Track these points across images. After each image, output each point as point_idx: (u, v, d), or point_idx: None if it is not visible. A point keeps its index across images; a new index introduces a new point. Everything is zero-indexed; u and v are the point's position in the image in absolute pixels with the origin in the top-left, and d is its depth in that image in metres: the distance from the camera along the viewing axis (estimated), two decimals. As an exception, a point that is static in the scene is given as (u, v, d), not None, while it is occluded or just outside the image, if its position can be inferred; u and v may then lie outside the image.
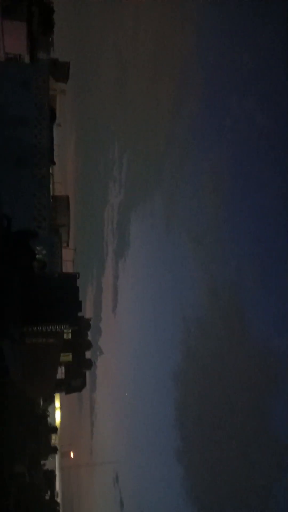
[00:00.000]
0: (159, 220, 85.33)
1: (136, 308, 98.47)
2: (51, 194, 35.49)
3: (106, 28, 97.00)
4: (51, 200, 34.82)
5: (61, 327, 23.13)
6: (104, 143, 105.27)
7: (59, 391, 39.03)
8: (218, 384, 63.61)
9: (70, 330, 25.41)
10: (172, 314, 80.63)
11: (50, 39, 58.78)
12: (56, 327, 22.44)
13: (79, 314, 25.01)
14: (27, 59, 33.78)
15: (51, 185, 36.03)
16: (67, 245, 50.87)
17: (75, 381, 36.15)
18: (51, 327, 22.46)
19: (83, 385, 36.85)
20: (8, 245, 12.66)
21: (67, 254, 49.90)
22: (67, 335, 27.39)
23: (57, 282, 21.48)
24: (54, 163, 32.06)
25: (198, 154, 68.99)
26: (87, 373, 37.57)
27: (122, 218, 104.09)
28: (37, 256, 19.86)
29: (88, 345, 36.82)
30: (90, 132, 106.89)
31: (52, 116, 29.61)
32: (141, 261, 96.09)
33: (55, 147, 36.48)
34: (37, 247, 27.40)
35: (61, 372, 34.19)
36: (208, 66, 62.55)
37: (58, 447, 52.29)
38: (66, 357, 32.45)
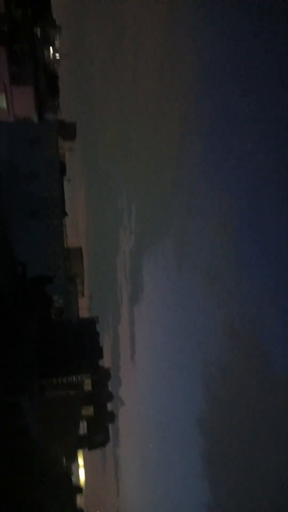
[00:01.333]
0: (170, 262, 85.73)
1: (155, 354, 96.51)
2: (65, 246, 36.08)
3: (108, 86, 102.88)
4: (65, 251, 35.36)
5: (81, 377, 22.41)
6: (112, 193, 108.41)
7: (82, 447, 37.38)
8: (245, 426, 60.48)
9: (90, 381, 24.67)
10: (191, 357, 78.68)
11: (56, 102, 62.30)
12: (77, 377, 21.74)
13: (100, 361, 24.28)
14: (35, 120, 35.61)
15: (64, 237, 36.74)
16: (82, 295, 51.03)
17: (98, 436, 34.69)
18: (72, 377, 21.78)
19: (106, 439, 35.33)
20: (24, 292, 12.59)
21: (82, 302, 49.90)
22: (88, 386, 26.54)
23: (75, 328, 21.03)
24: (66, 214, 32.80)
25: (204, 195, 70.42)
26: (110, 426, 36.13)
27: (134, 263, 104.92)
28: (53, 302, 19.76)
29: (109, 396, 35.61)
30: (98, 184, 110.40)
31: (62, 170, 30.65)
32: (156, 305, 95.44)
33: (66, 201, 37.59)
34: (53, 297, 27.41)
35: (83, 427, 32.92)
36: (208, 112, 65.38)
37: (83, 508, 49.32)
38: (88, 410, 31.34)
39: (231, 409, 64.05)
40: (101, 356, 22.89)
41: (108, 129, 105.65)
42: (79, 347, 19.92)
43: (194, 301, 76.97)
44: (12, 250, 16.99)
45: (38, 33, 49.58)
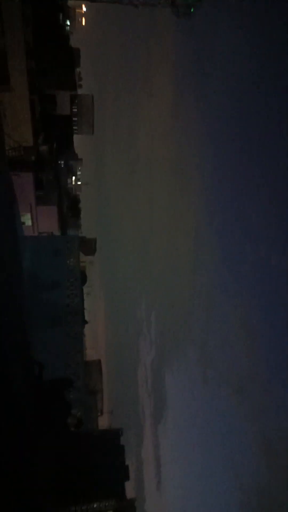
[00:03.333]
0: (194, 373, 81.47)
1: (184, 483, 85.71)
2: (84, 359, 35.15)
3: (125, 206, 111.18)
4: (84, 362, 34.27)
5: (105, 505, 19.50)
6: (131, 303, 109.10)
7: None
8: None
9: (114, 508, 21.46)
10: (225, 483, 69.39)
11: (78, 221, 67.11)
12: (99, 505, 18.92)
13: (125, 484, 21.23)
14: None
15: (84, 347, 36.02)
16: (101, 413, 47.91)
17: None
18: (93, 505, 19.00)
19: None
20: (40, 396, 11.69)
21: (102, 420, 46.54)
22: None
23: (97, 442, 18.88)
24: (86, 322, 32.63)
25: (223, 301, 69.99)
26: None
27: (156, 376, 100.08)
28: (72, 411, 18.22)
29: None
30: (117, 295, 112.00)
31: (83, 279, 31.43)
32: (181, 423, 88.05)
33: (85, 313, 37.82)
34: (72, 411, 25.70)
35: None
36: (221, 218, 68.84)
37: None
38: None
39: None
40: (127, 477, 19.94)
41: (126, 242, 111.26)
42: (101, 466, 17.58)
43: (223, 416, 70.99)
44: (31, 356, 16.51)
45: (62, 165, 55.90)
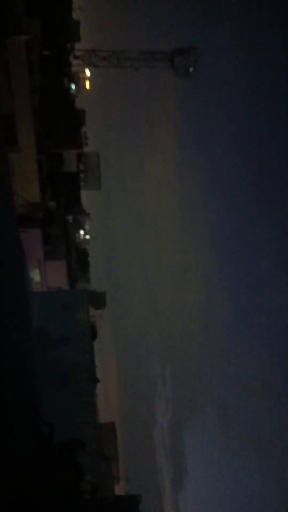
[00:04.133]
0: (216, 433, 76.71)
1: None
2: (97, 421, 33.17)
3: (133, 258, 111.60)
4: (97, 424, 32.30)
5: None
6: (144, 359, 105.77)
7: None
8: None
9: None
10: None
11: (87, 275, 66.90)
12: None
13: None
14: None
15: (96, 408, 34.13)
16: (118, 481, 44.67)
17: None
18: None
19: None
20: (51, 459, 10.55)
21: (118, 489, 43.25)
22: None
23: (112, 509, 17.00)
24: (98, 380, 31.15)
25: (239, 357, 67.55)
26: None
27: (174, 438, 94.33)
28: (85, 477, 16.49)
29: None
30: (129, 352, 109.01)
31: (93, 333, 30.47)
32: (204, 489, 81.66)
33: (97, 371, 36.31)
34: (85, 477, 23.71)
35: None
36: (231, 270, 68.16)
37: None
38: None
39: None
40: None
41: (136, 296, 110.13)
42: None
43: (248, 479, 65.77)
44: (40, 417, 15.36)
45: (70, 219, 56.72)
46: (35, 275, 34.36)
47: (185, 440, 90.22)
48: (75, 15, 50.48)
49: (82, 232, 69.92)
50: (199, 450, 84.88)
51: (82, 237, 68.46)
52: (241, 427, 68.88)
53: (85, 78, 53.70)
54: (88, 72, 51.17)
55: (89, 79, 53.97)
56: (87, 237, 72.59)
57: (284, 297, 54.60)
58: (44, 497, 10.41)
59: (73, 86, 44.66)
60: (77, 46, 42.52)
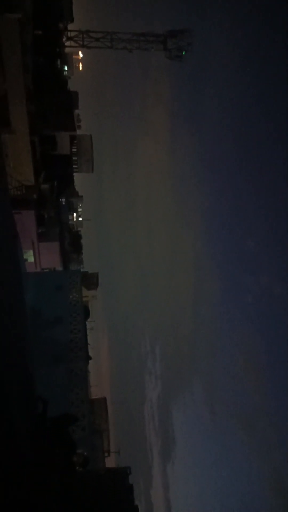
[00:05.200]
0: (202, 408, 79.17)
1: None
2: (89, 396, 34.31)
3: (125, 240, 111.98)
4: (89, 400, 33.44)
5: None
6: (135, 337, 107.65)
7: None
8: None
9: None
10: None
11: (80, 256, 67.49)
12: None
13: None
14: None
15: (88, 384, 35.28)
16: (108, 454, 46.36)
17: None
18: None
19: None
20: (45, 433, 11.35)
21: (108, 462, 44.93)
22: None
23: (104, 481, 18.09)
24: (90, 358, 32.14)
25: (226, 333, 69.17)
26: None
27: (163, 412, 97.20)
28: (77, 450, 17.53)
29: None
30: (121, 329, 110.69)
31: (86, 313, 31.25)
32: (191, 461, 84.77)
33: (89, 349, 37.30)
34: (78, 450, 24.83)
35: None
36: (221, 250, 69.09)
37: None
38: None
39: None
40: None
41: (128, 276, 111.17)
42: (110, 506, 16.77)
43: (232, 453, 68.36)
44: (34, 392, 16.20)
45: (63, 202, 56.95)
46: (29, 256, 34.91)
47: (173, 414, 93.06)
48: (68, -7, 49.56)
49: (75, 214, 70.24)
50: (187, 424, 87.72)
51: (75, 219, 68.81)
52: (227, 402, 71.13)
53: (78, 60, 53.11)
54: (81, 54, 50.70)
55: (83, 60, 53.47)
56: (80, 219, 72.95)
57: (270, 277, 55.81)
58: (39, 471, 11.22)
59: (66, 68, 44.26)
60: (70, 27, 41.95)
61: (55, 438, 13.62)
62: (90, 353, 38.32)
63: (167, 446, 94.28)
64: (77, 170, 56.76)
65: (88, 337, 38.57)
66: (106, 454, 44.66)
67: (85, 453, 25.94)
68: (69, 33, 40.26)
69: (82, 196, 74.89)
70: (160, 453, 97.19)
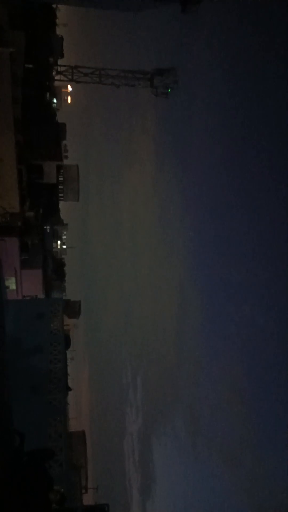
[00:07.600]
0: (184, 442, 77.20)
1: None
2: (67, 430, 33.38)
3: (110, 269, 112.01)
4: (67, 433, 32.46)
5: None
6: (117, 368, 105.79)
7: None
8: None
9: None
10: None
11: (62, 284, 67.03)
12: None
13: None
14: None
15: (67, 415, 34.33)
16: (86, 490, 44.68)
17: None
18: None
19: None
20: (20, 468, 11.06)
21: (87, 498, 43.21)
22: None
23: None
24: (70, 389, 31.49)
25: (210, 364, 68.61)
26: None
27: (143, 446, 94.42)
28: (54, 486, 16.95)
29: None
30: (102, 361, 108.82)
31: (67, 342, 30.85)
32: (172, 498, 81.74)
33: (69, 380, 36.59)
34: (54, 486, 23.92)
35: None
36: (204, 279, 69.54)
37: None
38: None
39: None
40: None
41: (110, 306, 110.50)
42: None
43: (214, 489, 66.36)
44: (10, 426, 15.82)
45: (48, 229, 57.11)
46: (11, 283, 34.61)
47: (154, 448, 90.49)
48: (59, 30, 51.74)
49: (59, 241, 70.33)
50: (168, 459, 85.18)
51: (59, 246, 68.86)
52: (210, 435, 69.68)
53: (67, 93, 54.76)
54: (70, 87, 52.32)
55: (71, 94, 55.12)
56: (64, 246, 73.01)
57: (252, 307, 56.20)
58: (13, 509, 10.75)
59: (55, 100, 45.45)
60: (60, 62, 43.46)
61: (31, 473, 13.21)
62: (70, 384, 37.50)
63: (147, 482, 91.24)
64: (63, 198, 57.33)
65: (68, 367, 37.85)
66: (83, 491, 43.00)
67: (62, 490, 24.97)
68: (59, 67, 41.69)
69: (67, 224, 75.26)
70: (139, 490, 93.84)
